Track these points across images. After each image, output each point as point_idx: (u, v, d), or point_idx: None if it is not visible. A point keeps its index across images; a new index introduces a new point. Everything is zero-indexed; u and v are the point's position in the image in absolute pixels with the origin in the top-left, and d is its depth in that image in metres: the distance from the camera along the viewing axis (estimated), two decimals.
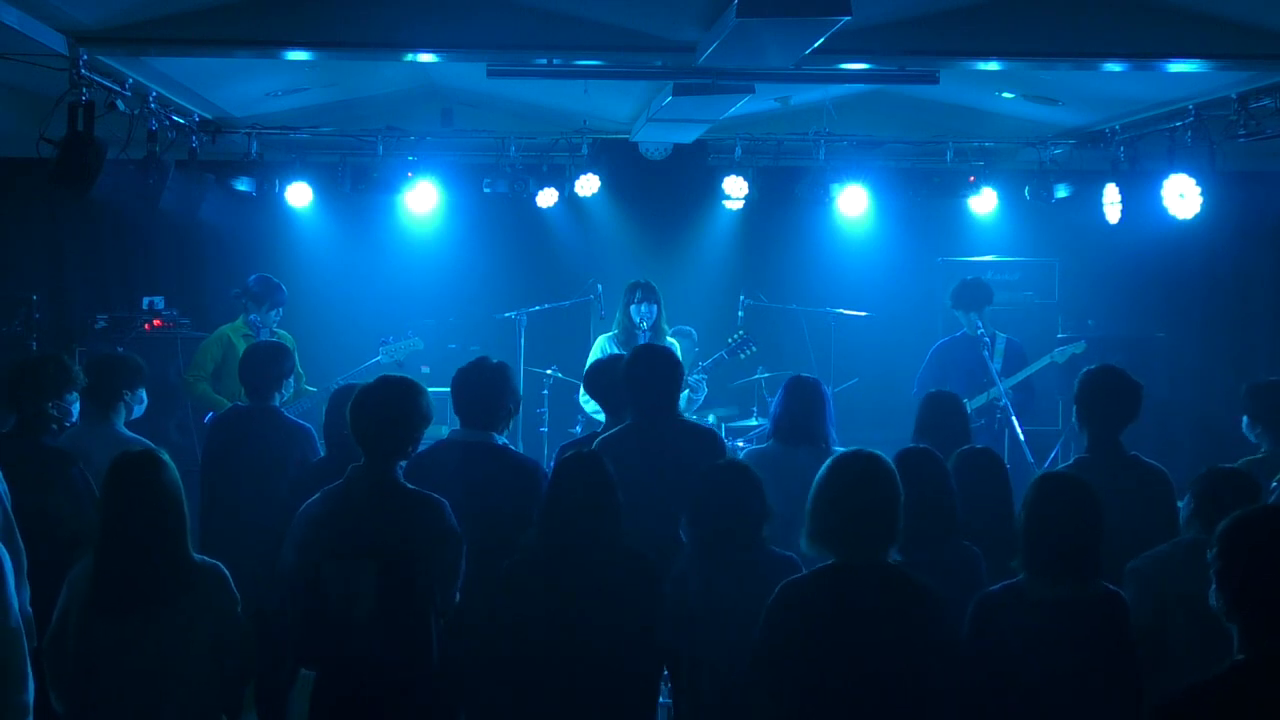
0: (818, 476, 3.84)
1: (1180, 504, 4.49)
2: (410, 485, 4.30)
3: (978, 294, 7.99)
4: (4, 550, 3.94)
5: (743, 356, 8.10)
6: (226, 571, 3.98)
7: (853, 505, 3.72)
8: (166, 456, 3.95)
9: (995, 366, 7.78)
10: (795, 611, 3.71)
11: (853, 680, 3.65)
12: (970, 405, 7.77)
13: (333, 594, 4.11)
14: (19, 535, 4.50)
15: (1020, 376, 7.82)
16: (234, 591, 3.97)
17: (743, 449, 7.28)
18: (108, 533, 3.86)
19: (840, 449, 5.35)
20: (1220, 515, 3.02)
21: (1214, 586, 2.89)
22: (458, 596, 4.30)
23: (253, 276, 7.96)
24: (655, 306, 7.58)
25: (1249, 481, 4.29)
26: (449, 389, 5.05)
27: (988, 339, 7.78)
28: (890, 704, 3.66)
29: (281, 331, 7.79)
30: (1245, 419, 5.81)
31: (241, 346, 7.48)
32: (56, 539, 4.82)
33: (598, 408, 7.12)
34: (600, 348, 7.70)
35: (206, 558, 3.98)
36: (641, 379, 5.15)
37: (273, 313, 7.81)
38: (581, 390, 7.66)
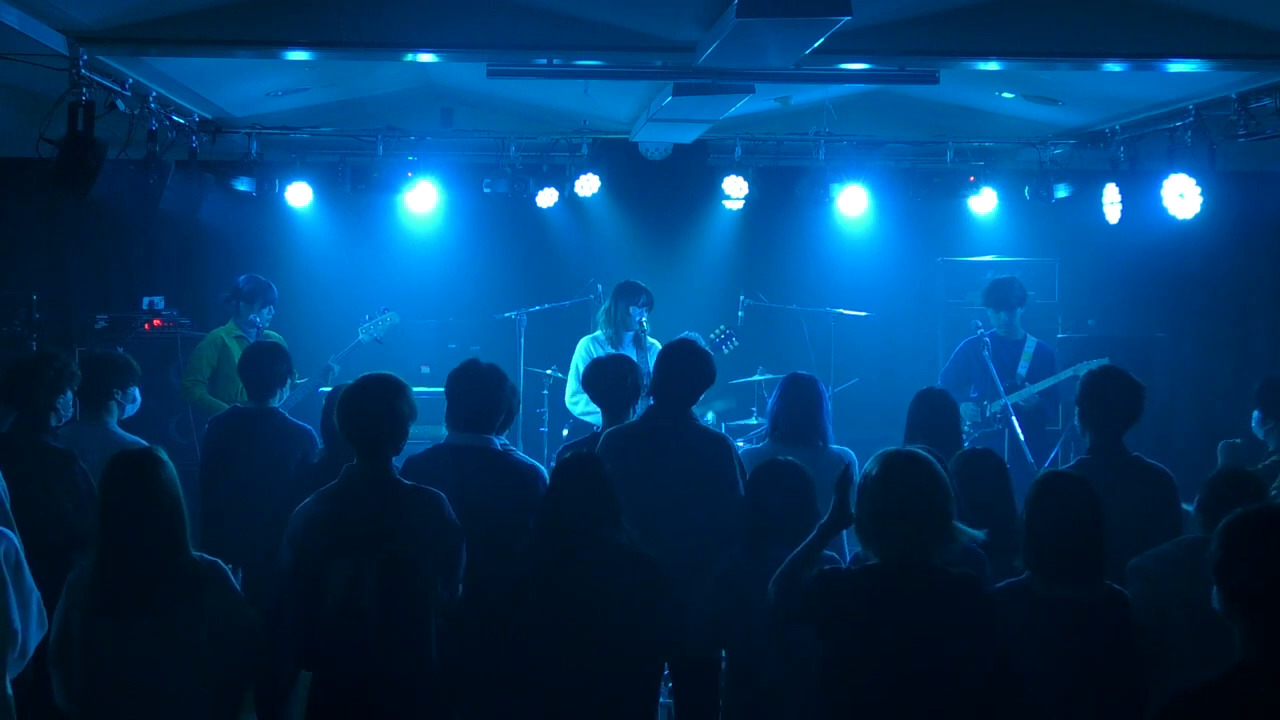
0: (861, 476, 3.77)
1: (1187, 506, 4.49)
2: (407, 481, 4.31)
3: (1011, 294, 7.97)
4: (12, 534, 3.96)
5: (725, 351, 8.09)
6: (227, 570, 3.98)
7: (894, 506, 3.65)
8: (164, 455, 3.95)
9: (1021, 372, 7.78)
10: (840, 609, 3.66)
11: (895, 684, 3.62)
12: (988, 409, 7.77)
13: (335, 594, 4.11)
14: (15, 527, 4.49)
15: (1042, 386, 7.80)
16: (236, 590, 3.98)
17: (741, 449, 7.28)
18: (107, 533, 3.85)
19: (837, 448, 5.38)
20: (1223, 516, 3.00)
21: (1215, 586, 2.86)
22: (460, 589, 4.31)
23: (242, 277, 7.95)
24: (649, 312, 7.65)
25: (1255, 482, 4.28)
26: (445, 391, 5.02)
27: (987, 338, 7.76)
28: (933, 707, 3.63)
29: (271, 333, 7.78)
30: (1256, 414, 5.81)
31: (235, 348, 7.47)
32: (58, 538, 4.83)
33: (587, 410, 7.14)
34: (585, 349, 7.71)
35: (206, 555, 3.98)
36: (673, 371, 5.12)
37: (264, 310, 7.80)
38: (569, 393, 7.68)
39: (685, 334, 8.40)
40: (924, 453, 3.84)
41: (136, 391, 5.84)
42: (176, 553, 3.87)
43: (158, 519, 3.84)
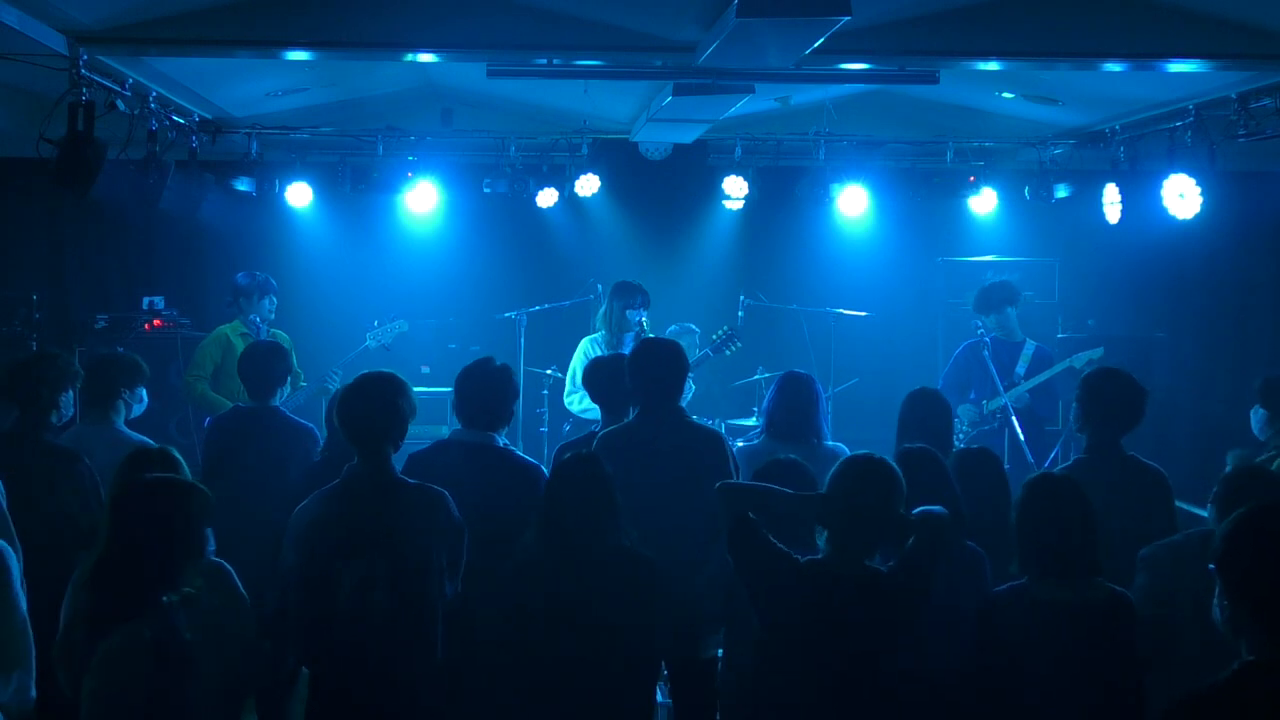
0: (833, 469, 3.86)
1: (1184, 505, 4.48)
2: (410, 479, 4.31)
3: (992, 296, 7.98)
4: (7, 547, 3.93)
5: (728, 353, 8.07)
6: (232, 570, 3.98)
7: (847, 507, 3.75)
8: (179, 455, 3.95)
9: (1019, 373, 7.79)
10: (780, 600, 3.77)
11: (828, 681, 3.73)
12: (985, 408, 7.77)
13: (344, 593, 4.11)
14: (15, 535, 4.48)
15: (1037, 380, 7.80)
16: (241, 590, 3.97)
17: (739, 447, 7.29)
18: (117, 532, 3.83)
19: (831, 444, 5.39)
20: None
21: (1218, 591, 2.79)
22: (459, 586, 4.32)
23: (239, 274, 7.96)
24: (648, 311, 7.64)
25: (1272, 478, 4.27)
26: (449, 389, 5.04)
27: (988, 339, 7.77)
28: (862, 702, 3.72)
29: (278, 331, 7.79)
30: (1262, 413, 5.80)
31: (240, 346, 7.46)
32: (63, 537, 4.82)
33: (585, 407, 7.15)
34: (585, 350, 7.71)
35: (212, 557, 3.97)
36: (647, 371, 5.13)
37: (265, 301, 7.81)
38: (568, 391, 7.69)
39: (678, 325, 8.44)
40: (887, 457, 3.91)
41: (144, 392, 5.83)
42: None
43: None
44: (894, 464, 3.87)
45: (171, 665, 3.33)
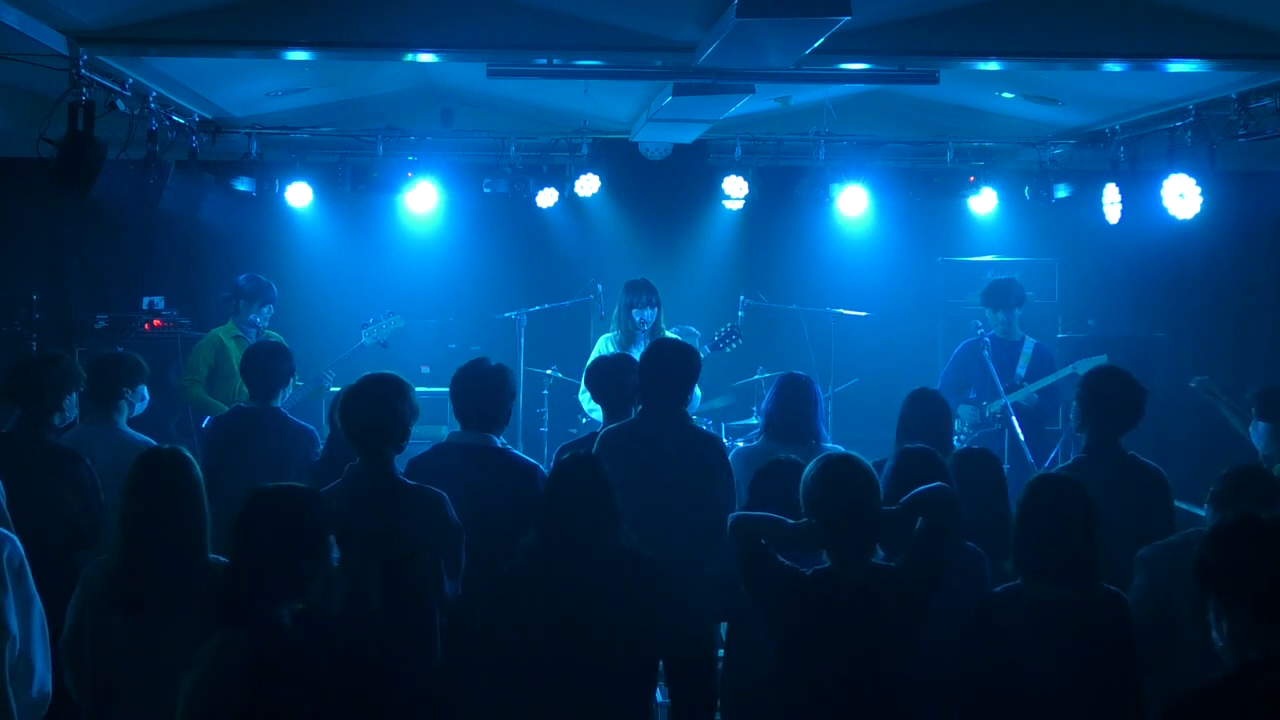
0: (802, 478, 3.87)
1: (1182, 504, 4.48)
2: (409, 481, 4.31)
3: (1007, 294, 7.97)
4: (18, 540, 3.94)
5: (728, 350, 8.06)
6: None
7: (823, 516, 3.76)
8: (190, 455, 3.95)
9: (1019, 372, 7.78)
10: (793, 608, 3.75)
11: (845, 680, 3.72)
12: (987, 410, 7.77)
13: (338, 592, 4.11)
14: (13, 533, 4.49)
15: (1040, 384, 7.80)
16: None
17: (739, 449, 7.28)
18: (130, 530, 3.84)
19: (830, 445, 5.40)
20: (1236, 509, 2.98)
21: (1211, 610, 2.81)
22: (459, 587, 4.32)
23: (242, 276, 7.95)
24: (656, 310, 7.60)
25: (1269, 478, 4.27)
26: (449, 389, 5.04)
27: (987, 338, 7.76)
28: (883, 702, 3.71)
29: (271, 332, 7.78)
30: (1264, 425, 5.80)
31: (233, 348, 7.47)
32: (62, 537, 4.82)
33: (591, 405, 7.15)
34: (599, 349, 7.70)
35: (221, 558, 3.98)
36: (651, 370, 5.13)
37: (265, 309, 7.80)
38: (582, 387, 7.68)
39: (678, 328, 8.42)
40: (859, 455, 3.92)
41: (145, 390, 5.83)
42: (198, 554, 3.86)
43: (184, 519, 3.83)
44: (859, 458, 3.87)
45: (278, 675, 3.32)
